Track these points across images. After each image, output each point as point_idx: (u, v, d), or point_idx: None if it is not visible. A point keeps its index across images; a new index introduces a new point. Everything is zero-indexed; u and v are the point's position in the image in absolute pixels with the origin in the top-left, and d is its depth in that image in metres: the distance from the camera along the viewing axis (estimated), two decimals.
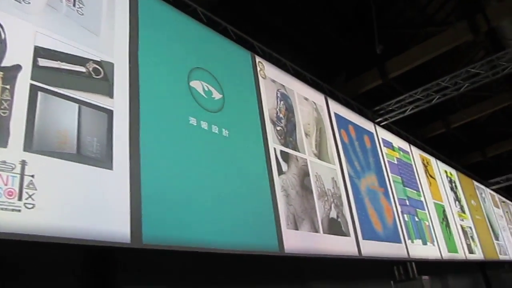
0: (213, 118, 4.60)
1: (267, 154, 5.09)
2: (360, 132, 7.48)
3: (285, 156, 5.36)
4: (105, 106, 3.60)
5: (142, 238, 3.45)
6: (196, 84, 4.57)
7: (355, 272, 7.27)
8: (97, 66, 3.73)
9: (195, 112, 4.41)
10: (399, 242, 7.04)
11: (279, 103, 5.66)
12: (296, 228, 5.03)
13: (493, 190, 15.92)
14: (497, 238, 12.85)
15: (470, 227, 10.83)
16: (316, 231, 5.32)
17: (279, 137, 5.41)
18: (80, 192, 3.15)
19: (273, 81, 5.77)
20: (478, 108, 12.83)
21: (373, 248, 6.27)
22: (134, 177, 3.56)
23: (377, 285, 7.80)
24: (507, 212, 16.22)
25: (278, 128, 5.46)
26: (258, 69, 5.54)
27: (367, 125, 7.95)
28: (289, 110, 5.82)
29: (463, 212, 10.92)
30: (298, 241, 4.99)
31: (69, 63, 3.48)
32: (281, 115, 5.60)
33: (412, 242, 7.46)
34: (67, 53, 3.50)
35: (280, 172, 5.16)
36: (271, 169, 5.04)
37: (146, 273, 4.45)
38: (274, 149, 5.23)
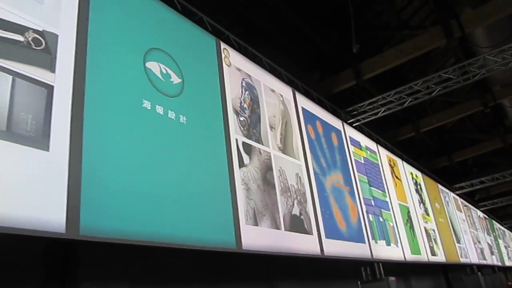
0: (170, 103, 4.26)
1: (228, 145, 4.77)
2: (328, 129, 7.27)
3: (248, 148, 5.06)
4: (44, 81, 3.21)
5: (80, 228, 3.08)
6: (153, 66, 4.22)
7: (323, 271, 7.21)
8: (38, 37, 3.33)
9: (150, 95, 4.06)
10: (363, 242, 6.85)
11: (243, 92, 5.36)
12: (256, 224, 4.73)
13: (457, 194, 16.13)
14: (458, 241, 12.96)
15: (434, 230, 10.83)
16: (277, 227, 5.04)
17: (242, 128, 5.10)
18: (8, 174, 2.76)
19: (238, 69, 5.46)
20: (447, 114, 13.01)
21: (336, 248, 6.04)
22: (74, 160, 3.18)
23: (344, 285, 7.72)
24: (469, 216, 16.46)
25: (242, 118, 5.16)
26: (223, 56, 5.23)
27: (335, 122, 7.75)
28: (254, 101, 5.52)
29: (427, 214, 10.91)
30: (258, 237, 4.70)
31: (4, 30, 3.08)
32: (245, 105, 5.30)
33: (376, 242, 7.29)
34: (2, 19, 3.09)
35: (241, 164, 4.86)
36: (232, 160, 4.73)
37: (107, 269, 4.22)
38: (236, 140, 4.92)
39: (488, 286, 13.98)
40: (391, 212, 8.50)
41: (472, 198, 19.57)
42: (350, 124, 9.01)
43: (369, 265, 7.24)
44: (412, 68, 12.73)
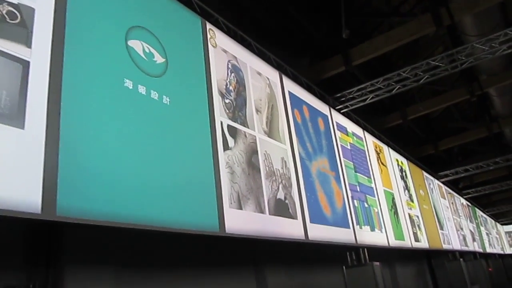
0: (153, 83, 4.14)
1: (213, 127, 4.68)
2: (314, 114, 7.20)
3: (233, 131, 4.98)
4: (20, 56, 3.07)
5: (56, 209, 2.98)
6: (135, 44, 4.08)
7: (309, 256, 7.25)
8: (13, 10, 3.18)
9: (132, 74, 3.93)
10: (348, 227, 6.86)
11: (229, 74, 5.25)
12: (240, 208, 4.68)
13: (441, 182, 16.28)
14: (442, 228, 13.11)
15: (418, 216, 10.93)
16: (262, 211, 4.99)
17: (227, 111, 5.01)
18: None
19: (224, 51, 5.34)
20: (434, 102, 13.05)
21: (320, 232, 6.03)
22: (51, 139, 3.07)
23: (329, 270, 7.78)
24: (452, 203, 16.67)
25: (227, 101, 5.06)
26: (209, 36, 5.10)
27: (322, 107, 7.69)
28: (240, 84, 5.42)
29: (412, 201, 11.00)
30: (242, 221, 4.65)
31: None
32: (230, 88, 5.20)
33: (361, 228, 7.31)
34: None
35: (226, 147, 4.78)
36: (216, 143, 4.65)
37: (92, 253, 4.16)
38: (221, 122, 4.83)
39: (469, 272, 14.18)
40: (376, 198, 8.53)
41: (456, 186, 19.81)
42: (338, 111, 8.98)
43: (354, 250, 7.26)
44: (401, 56, 12.70)
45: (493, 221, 28.63)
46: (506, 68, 11.47)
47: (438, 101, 13.02)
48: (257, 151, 5.27)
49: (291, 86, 6.67)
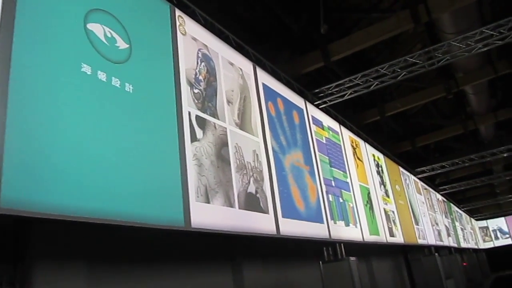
0: (115, 70, 3.88)
1: (180, 117, 4.44)
2: (289, 107, 7.01)
3: (201, 122, 4.75)
4: None
5: (0, 201, 2.73)
6: (96, 28, 3.82)
7: (286, 251, 7.15)
8: None
9: (91, 59, 3.67)
10: (321, 222, 6.70)
11: (199, 64, 5.01)
12: (208, 201, 4.46)
13: (418, 178, 16.35)
14: (417, 223, 13.13)
15: (393, 211, 10.88)
16: (231, 205, 4.78)
17: (196, 101, 4.78)
18: None
19: (194, 39, 5.10)
20: (412, 99, 13.09)
21: (293, 227, 5.85)
22: None
23: (306, 265, 7.69)
24: (428, 199, 16.75)
25: (196, 91, 4.83)
26: (178, 23, 4.85)
27: (298, 100, 7.50)
28: (211, 73, 5.19)
29: (387, 196, 10.93)
30: (209, 215, 4.44)
31: None
32: (200, 77, 4.96)
33: (335, 223, 7.17)
34: None
35: (194, 139, 4.55)
36: (183, 134, 4.41)
37: (63, 247, 3.99)
38: (189, 113, 4.60)
39: (444, 266, 14.33)
40: (352, 193, 8.41)
41: (432, 182, 19.95)
42: (317, 106, 8.85)
43: (331, 245, 7.21)
44: (380, 53, 12.68)
45: (468, 216, 29.03)
46: (482, 66, 11.53)
47: (415, 98, 13.07)
48: (227, 143, 5.06)
49: (265, 78, 6.47)
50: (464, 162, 15.71)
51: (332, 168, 7.92)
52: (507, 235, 32.28)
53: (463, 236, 23.89)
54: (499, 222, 32.78)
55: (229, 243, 6.12)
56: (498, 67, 11.64)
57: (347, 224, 7.65)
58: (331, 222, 6.97)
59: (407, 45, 12.69)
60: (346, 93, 9.28)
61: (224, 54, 5.55)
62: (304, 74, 9.61)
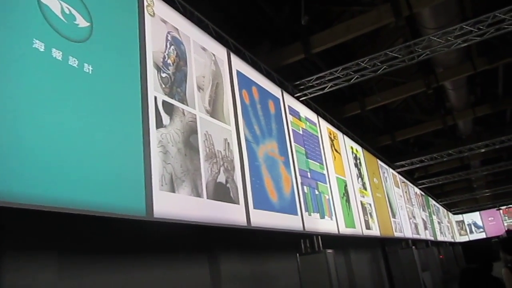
0: (72, 48, 3.58)
1: (144, 102, 4.16)
2: (265, 96, 6.77)
3: (169, 108, 4.48)
4: None
5: None
6: (51, 3, 3.50)
7: (263, 243, 6.98)
8: None
9: (45, 35, 3.36)
10: (295, 214, 6.50)
11: (168, 47, 4.73)
12: (173, 191, 4.21)
13: (397, 172, 16.33)
14: (394, 216, 13.07)
15: (370, 204, 10.76)
16: (199, 195, 4.54)
17: (164, 86, 4.50)
18: None
19: (164, 21, 4.80)
20: (392, 93, 12.98)
21: (265, 219, 5.64)
22: None
23: (284, 257, 7.57)
24: (406, 192, 16.75)
25: (164, 75, 4.55)
26: (145, 4, 4.55)
27: (274, 90, 7.25)
28: (181, 58, 4.91)
29: (365, 189, 10.80)
30: (174, 205, 4.19)
31: None
32: (169, 61, 4.68)
33: (310, 215, 6.98)
34: None
35: (160, 125, 4.28)
36: (148, 120, 4.14)
37: (35, 237, 3.83)
38: (155, 98, 4.32)
39: (421, 259, 14.38)
40: (328, 185, 8.22)
41: (411, 176, 19.98)
42: (297, 98, 8.70)
43: (308, 237, 7.11)
44: (361, 46, 12.56)
45: (445, 210, 29.32)
46: (461, 62, 11.48)
47: (396, 92, 12.97)
48: (196, 131, 4.80)
49: (240, 65, 6.20)
50: (442, 157, 15.72)
51: (309, 160, 7.72)
52: (481, 229, 32.80)
53: (440, 229, 24.08)
54: (474, 217, 33.28)
55: (206, 235, 5.93)
56: (477, 63, 11.61)
57: (322, 216, 7.47)
58: (305, 214, 6.77)
59: (389, 39, 12.56)
60: (327, 86, 9.12)
61: (196, 38, 5.27)
62: (285, 65, 9.42)
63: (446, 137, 17.89)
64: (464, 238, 32.88)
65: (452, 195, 28.20)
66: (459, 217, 33.68)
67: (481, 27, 7.94)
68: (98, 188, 3.48)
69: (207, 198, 4.66)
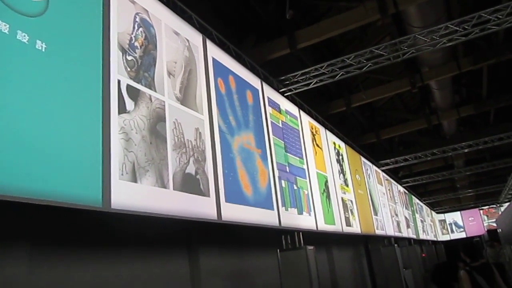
0: (23, 23, 3.21)
1: (106, 85, 3.81)
2: (243, 86, 6.43)
3: (134, 93, 4.13)
4: None
5: None
6: None
7: (244, 238, 6.82)
8: None
9: None
10: (271, 209, 6.19)
11: (136, 29, 4.38)
12: (135, 181, 3.87)
13: (382, 170, 16.15)
14: (376, 214, 12.84)
15: (351, 201, 10.48)
16: (164, 186, 4.21)
17: (129, 69, 4.15)
18: None
19: (132, 1, 4.44)
20: (378, 91, 12.79)
21: (237, 213, 5.32)
22: None
23: (265, 253, 7.40)
24: (389, 190, 16.55)
25: (129, 58, 4.20)
26: None
27: (253, 80, 6.91)
28: (150, 41, 4.56)
29: (346, 185, 10.52)
30: (135, 196, 3.85)
31: None
32: (136, 44, 4.33)
33: (287, 210, 6.67)
34: None
35: (122, 110, 3.94)
36: (109, 104, 3.80)
37: (6, 228, 3.61)
38: (119, 81, 3.98)
39: (403, 257, 14.26)
40: (307, 180, 7.92)
41: (396, 174, 19.83)
42: (282, 94, 8.45)
43: (289, 233, 6.90)
44: (348, 44, 12.38)
45: (428, 209, 29.28)
46: (446, 62, 11.35)
47: (381, 91, 12.79)
48: (164, 119, 4.46)
49: (216, 53, 5.85)
50: (426, 156, 15.57)
51: (288, 154, 7.41)
52: (462, 229, 32.96)
53: (423, 228, 23.99)
54: (455, 216, 33.42)
55: (186, 229, 5.70)
56: (462, 63, 11.49)
57: (300, 212, 7.17)
58: (282, 209, 6.47)
59: (376, 38, 12.37)
60: (312, 82, 8.88)
61: (168, 22, 4.92)
62: (270, 60, 9.16)
63: (431, 136, 17.78)
64: (446, 237, 32.98)
65: (436, 194, 28.17)
66: (441, 216, 33.76)
67: (466, 27, 7.82)
68: (50, 176, 3.14)
69: (174, 190, 4.33)
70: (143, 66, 4.35)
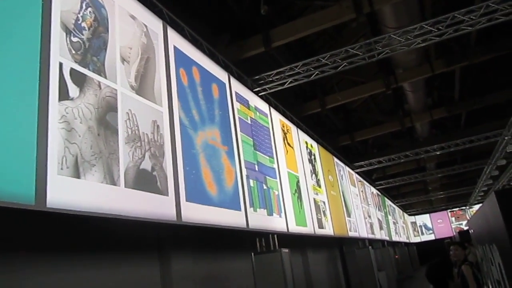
0: None
1: (44, 68, 3.32)
2: (208, 79, 5.98)
3: (79, 78, 3.64)
4: None
5: None
6: None
7: (218, 241, 6.54)
8: None
9: None
10: (238, 209, 5.75)
11: (84, 8, 3.89)
12: (77, 176, 3.38)
13: (356, 172, 15.97)
14: (349, 215, 12.58)
15: (324, 202, 10.14)
16: (114, 183, 3.72)
17: (74, 51, 3.66)
18: None
19: None
20: (352, 92, 12.67)
21: (200, 213, 4.86)
22: None
23: (239, 256, 7.14)
24: (362, 191, 16.37)
25: (75, 39, 3.71)
26: None
27: (219, 73, 6.46)
28: (101, 23, 4.08)
29: (319, 186, 10.19)
30: (78, 193, 3.36)
31: None
32: (83, 25, 3.84)
33: (255, 211, 6.25)
34: None
35: (64, 96, 3.44)
36: (48, 89, 3.30)
37: None
38: (60, 64, 3.48)
39: (377, 259, 14.14)
40: (278, 180, 7.52)
41: (370, 177, 19.73)
42: (256, 93, 8.11)
43: (264, 236, 6.65)
44: (323, 44, 12.19)
45: (401, 211, 29.41)
46: (420, 64, 11.30)
47: (355, 92, 12.66)
48: (116, 108, 3.97)
49: (178, 41, 5.39)
50: (400, 158, 15.50)
51: (257, 152, 6.99)
52: (431, 231, 33.37)
53: (395, 230, 23.99)
54: (425, 219, 33.80)
55: (157, 232, 5.35)
56: (435, 65, 11.47)
57: (270, 213, 6.76)
58: (250, 210, 6.04)
59: (351, 39, 12.20)
60: (287, 81, 8.57)
61: (122, 4, 4.44)
62: (245, 59, 8.82)
63: (404, 138, 17.75)
64: (417, 239, 33.27)
65: (408, 196, 28.33)
66: (413, 218, 34.07)
67: (440, 27, 7.79)
68: None
69: (126, 187, 3.85)
70: (91, 49, 3.86)
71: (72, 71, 3.59)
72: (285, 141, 8.61)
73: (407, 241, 28.98)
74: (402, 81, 11.92)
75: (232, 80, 6.81)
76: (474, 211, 25.22)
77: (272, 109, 8.48)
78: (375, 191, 19.74)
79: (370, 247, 13.16)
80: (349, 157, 15.84)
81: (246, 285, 6.78)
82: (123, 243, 4.79)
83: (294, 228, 7.59)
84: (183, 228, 4.76)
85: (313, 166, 10.19)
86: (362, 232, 13.81)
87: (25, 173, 3.00)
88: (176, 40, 5.33)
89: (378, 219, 18.28)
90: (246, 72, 8.04)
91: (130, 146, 4.05)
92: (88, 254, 4.36)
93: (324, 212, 9.79)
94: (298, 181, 8.62)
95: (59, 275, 3.98)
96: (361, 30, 11.96)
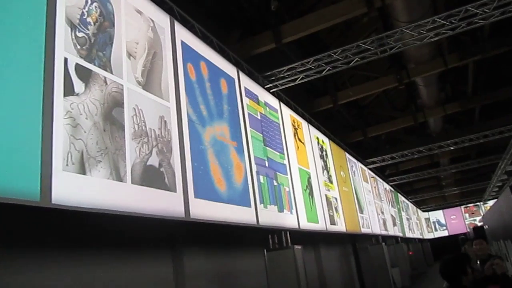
0: None
1: (49, 63, 3.26)
2: (216, 74, 5.88)
3: (84, 73, 3.58)
4: None
5: None
6: None
7: (230, 238, 6.51)
8: None
9: None
10: (247, 205, 5.64)
11: (89, 3, 3.82)
12: (83, 172, 3.31)
13: (369, 168, 15.76)
14: (361, 212, 12.39)
15: (336, 198, 9.97)
16: (120, 179, 3.65)
17: (79, 47, 3.59)
18: None
19: None
20: (365, 88, 12.48)
21: (208, 210, 4.77)
22: None
23: (251, 253, 7.09)
24: (375, 187, 16.13)
25: (80, 34, 3.64)
26: None
27: (228, 68, 6.35)
28: (106, 18, 4.00)
29: (331, 182, 10.02)
30: (83, 190, 3.29)
31: None
32: (89, 20, 3.77)
33: (265, 207, 6.13)
34: None
35: (70, 92, 3.38)
36: (53, 85, 3.24)
37: None
38: (66, 59, 3.42)
39: (391, 255, 13.96)
40: (289, 176, 7.38)
41: (383, 173, 19.46)
42: (268, 90, 7.99)
43: (276, 233, 6.55)
44: (334, 40, 11.99)
45: (414, 207, 28.99)
46: (433, 58, 11.04)
47: (367, 87, 12.41)
48: (122, 104, 3.90)
49: (186, 36, 5.29)
50: (413, 154, 15.21)
51: (267, 147, 6.87)
52: (444, 227, 32.85)
53: (409, 226, 23.65)
54: (438, 215, 33.28)
55: (170, 229, 5.30)
56: (448, 59, 11.17)
57: (280, 210, 6.63)
58: (260, 206, 5.93)
59: (362, 33, 12.00)
60: (298, 77, 8.44)
61: None
62: (256, 56, 8.72)
63: (417, 134, 17.45)
64: (431, 235, 32.79)
65: (422, 192, 27.89)
66: (426, 214, 33.58)
67: (453, 21, 7.59)
68: None
69: (132, 183, 3.78)
70: (97, 44, 3.79)
71: (78, 67, 3.52)
72: (296, 136, 8.47)
73: (421, 237, 28.56)
74: (414, 76, 11.66)
75: (241, 75, 6.70)
76: (488, 207, 24.74)
77: (282, 105, 8.34)
78: (388, 187, 19.44)
79: (383, 243, 12.96)
80: (361, 153, 15.61)
81: (259, 281, 6.71)
82: (134, 240, 4.75)
83: (306, 224, 7.46)
84: (194, 225, 4.71)
85: (325, 162, 10.03)
86: (375, 228, 13.60)
87: (30, 169, 2.94)
88: (183, 35, 5.24)
89: (392, 215, 18.01)
90: (257, 68, 7.94)
91: (137, 142, 3.97)
92: (97, 251, 4.32)
93: (336, 208, 9.63)
94: (309, 177, 8.48)
95: (66, 272, 3.93)
96: (373, 24, 11.75)
